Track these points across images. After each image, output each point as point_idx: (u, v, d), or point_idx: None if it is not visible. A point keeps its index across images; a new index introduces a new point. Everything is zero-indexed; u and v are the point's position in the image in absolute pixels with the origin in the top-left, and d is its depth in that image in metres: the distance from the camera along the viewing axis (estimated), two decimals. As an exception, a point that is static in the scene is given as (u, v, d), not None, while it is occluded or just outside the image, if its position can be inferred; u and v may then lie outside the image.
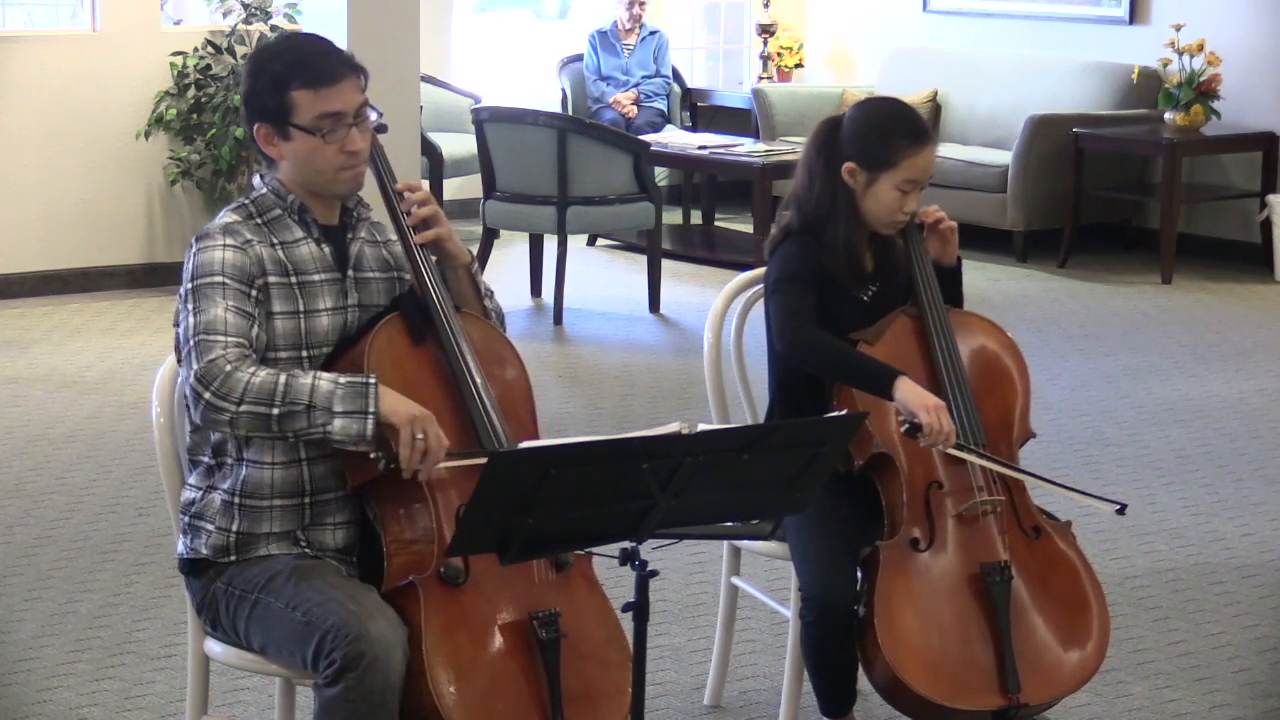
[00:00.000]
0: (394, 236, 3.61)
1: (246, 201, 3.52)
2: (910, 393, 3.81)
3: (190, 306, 3.37)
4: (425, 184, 3.58)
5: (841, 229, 3.98)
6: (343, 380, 3.31)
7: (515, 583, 3.38)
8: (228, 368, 3.30)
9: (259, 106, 3.46)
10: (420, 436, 3.30)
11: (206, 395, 3.29)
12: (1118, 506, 3.88)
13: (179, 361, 3.44)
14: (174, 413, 3.62)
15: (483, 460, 3.30)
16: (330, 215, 3.54)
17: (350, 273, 3.53)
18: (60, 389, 7.39)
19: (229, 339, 3.33)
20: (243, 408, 3.29)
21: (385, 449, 3.32)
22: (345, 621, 3.23)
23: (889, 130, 3.97)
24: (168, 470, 3.62)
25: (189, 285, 3.40)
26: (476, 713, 3.27)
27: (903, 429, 3.83)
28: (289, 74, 3.43)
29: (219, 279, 3.38)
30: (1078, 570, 3.94)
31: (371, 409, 3.28)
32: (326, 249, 3.52)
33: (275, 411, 3.29)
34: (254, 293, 3.41)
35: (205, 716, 3.73)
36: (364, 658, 3.20)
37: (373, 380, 3.31)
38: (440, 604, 3.31)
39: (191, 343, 3.33)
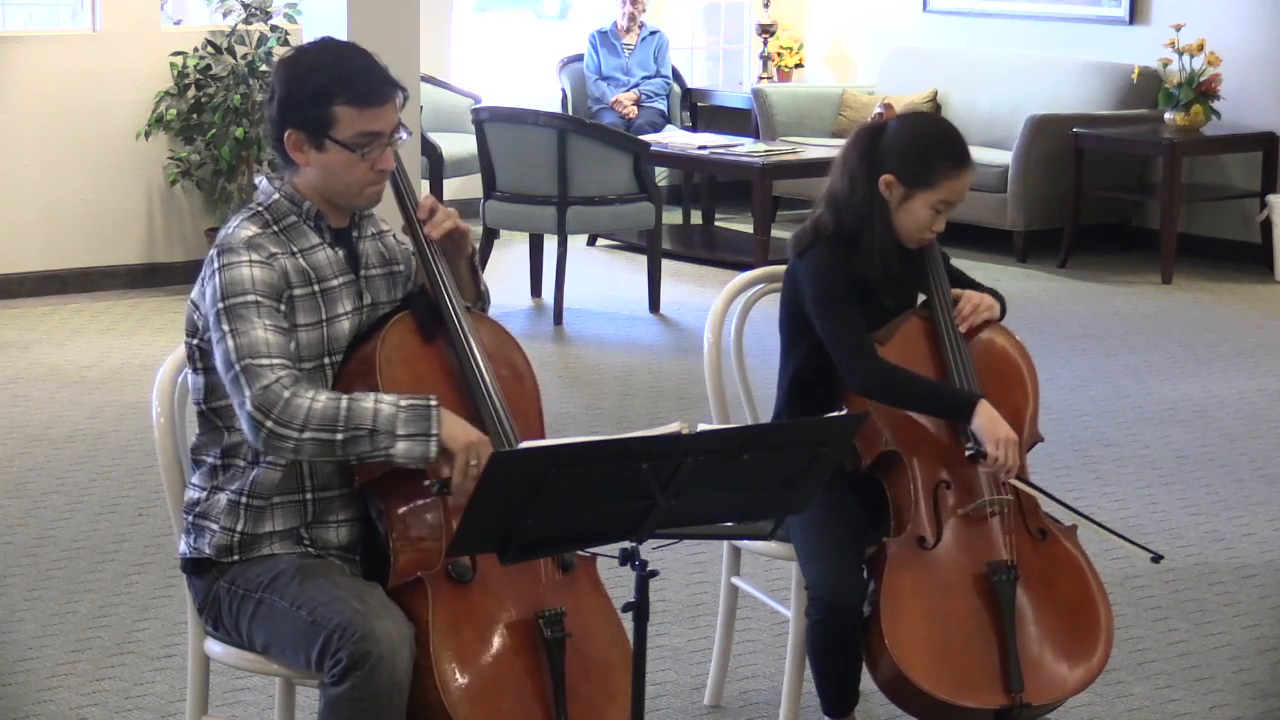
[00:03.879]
0: (386, 227, 3.62)
1: (260, 209, 3.48)
2: (986, 421, 3.85)
3: (227, 328, 3.33)
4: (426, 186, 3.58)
5: (878, 237, 3.99)
6: (404, 403, 3.31)
7: (522, 582, 3.39)
8: (285, 394, 3.29)
9: (296, 114, 3.42)
10: (475, 463, 3.30)
11: (268, 424, 3.28)
12: (1153, 556, 3.91)
13: (193, 360, 3.45)
14: (174, 413, 3.61)
15: None
16: (341, 219, 3.54)
17: (362, 272, 3.54)
18: (60, 389, 7.39)
19: (274, 360, 3.31)
20: (306, 434, 3.28)
21: (436, 473, 3.33)
22: (351, 621, 3.23)
23: (933, 151, 3.98)
24: (168, 470, 3.61)
25: (221, 305, 3.35)
26: (482, 709, 3.28)
27: (967, 454, 3.86)
28: (335, 88, 3.39)
29: (252, 297, 3.35)
30: (1084, 572, 3.95)
31: (434, 431, 3.29)
32: (340, 252, 3.52)
33: (339, 437, 3.29)
34: (283, 307, 3.40)
35: (205, 716, 3.73)
36: (370, 656, 3.20)
37: (434, 402, 3.32)
38: (448, 601, 3.32)
39: (238, 368, 3.31)
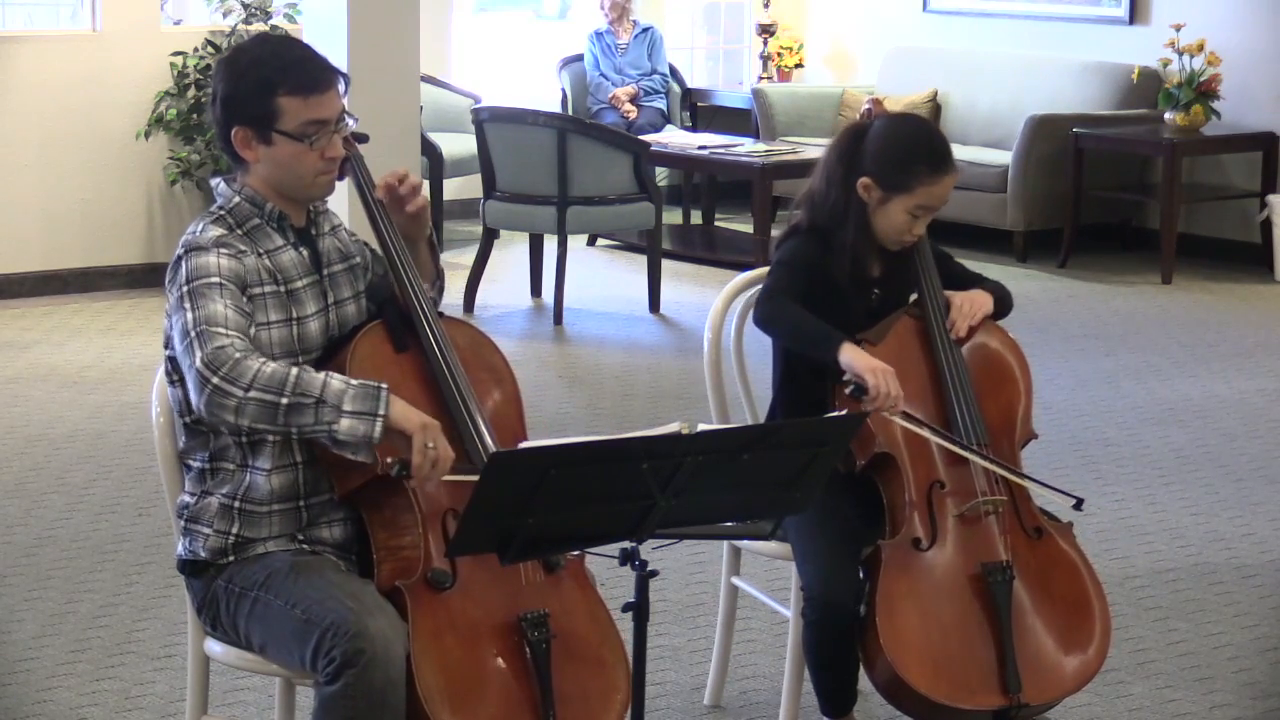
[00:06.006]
0: (339, 221, 3.63)
1: (222, 212, 3.48)
2: (855, 356, 3.83)
3: (189, 305, 3.33)
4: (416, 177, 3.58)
5: (850, 238, 3.98)
6: (355, 382, 3.29)
7: (503, 585, 3.37)
8: (236, 354, 3.27)
9: (240, 110, 3.43)
10: (431, 445, 3.28)
11: (214, 380, 3.25)
12: (1074, 501, 3.90)
13: (170, 373, 3.46)
14: (173, 413, 3.61)
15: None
16: (300, 217, 3.54)
17: (325, 271, 3.54)
18: (60, 389, 7.39)
19: (231, 331, 3.30)
20: (250, 393, 3.24)
21: (394, 453, 3.31)
22: (344, 619, 3.23)
23: (911, 155, 3.96)
24: (167, 470, 3.61)
25: (185, 288, 3.36)
26: (466, 717, 3.26)
27: (848, 391, 3.82)
28: (277, 80, 3.40)
29: (216, 279, 3.36)
30: (1079, 571, 3.94)
31: (382, 411, 3.25)
32: (304, 252, 3.51)
33: (284, 401, 3.24)
34: (245, 300, 3.40)
35: (205, 716, 3.73)
36: (364, 655, 3.19)
37: (384, 386, 3.30)
38: (428, 609, 3.31)
39: (194, 333, 3.30)
